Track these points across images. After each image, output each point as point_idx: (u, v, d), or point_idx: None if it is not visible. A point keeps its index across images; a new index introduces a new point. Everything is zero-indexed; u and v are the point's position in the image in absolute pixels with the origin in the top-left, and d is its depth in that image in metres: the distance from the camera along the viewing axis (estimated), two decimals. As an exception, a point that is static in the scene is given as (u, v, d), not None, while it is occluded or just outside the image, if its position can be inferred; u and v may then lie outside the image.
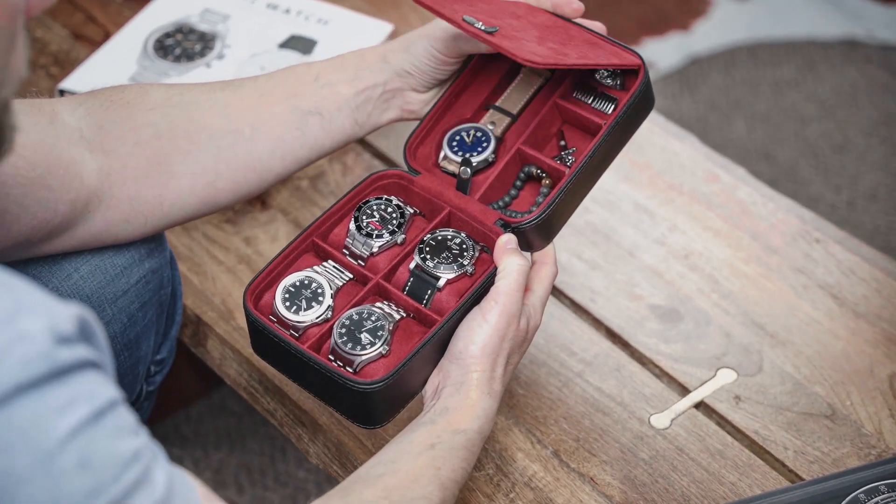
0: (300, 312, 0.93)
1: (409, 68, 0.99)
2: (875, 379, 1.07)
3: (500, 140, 1.01)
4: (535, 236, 0.95)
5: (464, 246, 0.95)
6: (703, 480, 1.00)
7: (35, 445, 0.62)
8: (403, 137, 1.01)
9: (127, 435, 0.66)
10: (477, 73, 1.01)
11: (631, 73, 0.99)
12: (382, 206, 0.97)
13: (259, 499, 1.46)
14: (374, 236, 0.96)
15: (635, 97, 0.95)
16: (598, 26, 0.98)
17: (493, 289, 0.91)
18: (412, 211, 0.98)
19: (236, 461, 1.50)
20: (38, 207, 0.91)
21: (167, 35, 1.30)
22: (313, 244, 0.97)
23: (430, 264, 0.94)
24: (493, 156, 1.00)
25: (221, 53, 1.29)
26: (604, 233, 1.19)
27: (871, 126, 1.96)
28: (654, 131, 1.28)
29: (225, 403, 1.55)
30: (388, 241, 0.96)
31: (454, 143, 1.00)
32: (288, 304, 0.93)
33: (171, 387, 1.26)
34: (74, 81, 1.25)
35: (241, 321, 1.11)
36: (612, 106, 0.99)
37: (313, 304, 0.93)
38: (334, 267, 0.96)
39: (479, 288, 0.92)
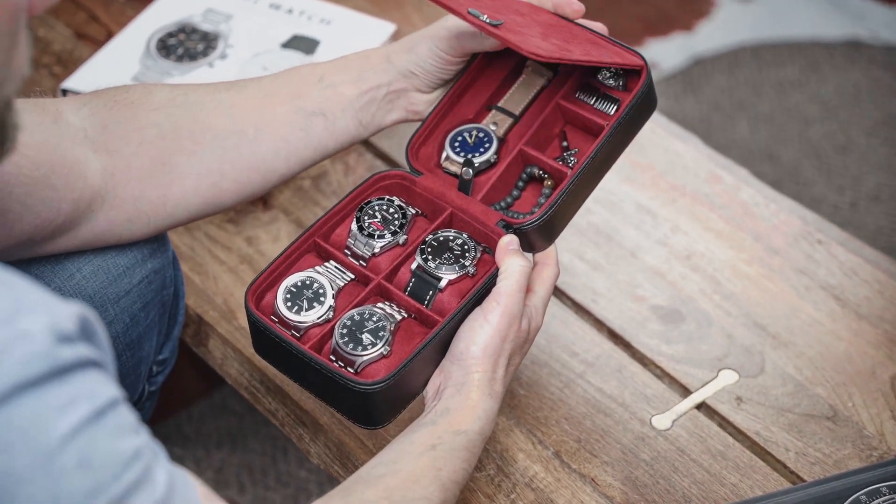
0: (301, 313, 0.93)
1: (414, 69, 0.99)
2: (877, 380, 1.07)
3: (502, 141, 1.00)
4: (536, 237, 0.95)
5: (465, 247, 0.95)
6: (705, 481, 1.00)
7: (35, 445, 0.62)
8: (406, 138, 1.01)
9: (127, 434, 0.66)
10: (480, 74, 1.01)
11: (633, 74, 0.99)
12: (384, 207, 0.97)
13: (261, 498, 1.46)
14: (375, 237, 0.96)
15: (638, 98, 0.95)
16: (599, 27, 0.98)
17: (494, 290, 0.91)
18: (414, 211, 0.98)
19: (238, 461, 1.50)
20: (42, 207, 0.91)
21: (170, 35, 1.30)
22: (315, 244, 0.97)
23: (432, 265, 0.94)
24: (495, 156, 0.99)
25: (224, 53, 1.29)
26: (606, 233, 1.19)
27: (875, 127, 1.96)
28: (656, 132, 1.28)
29: (227, 403, 1.55)
30: (389, 242, 0.96)
31: (456, 144, 1.00)
32: (289, 304, 0.93)
33: (173, 386, 1.27)
34: (77, 81, 1.25)
35: (243, 321, 1.11)
36: (615, 107, 0.99)
37: (315, 304, 0.93)
38: (336, 267, 0.96)
39: (480, 289, 0.92)
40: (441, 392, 0.90)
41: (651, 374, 1.08)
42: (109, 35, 1.36)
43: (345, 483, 0.85)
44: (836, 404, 1.05)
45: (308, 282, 0.94)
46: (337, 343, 0.91)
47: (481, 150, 0.99)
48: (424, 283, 0.94)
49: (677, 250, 1.17)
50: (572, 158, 0.99)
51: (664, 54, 2.06)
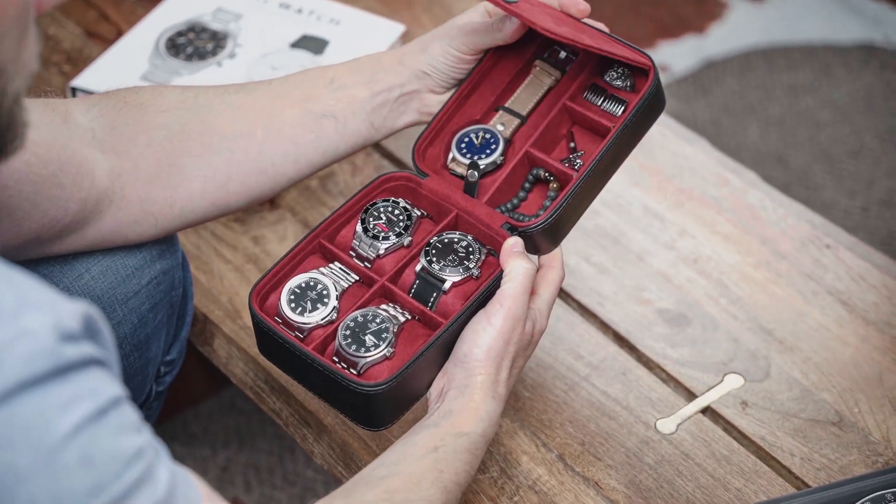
0: (305, 314, 0.93)
1: (427, 69, 0.99)
2: (884, 386, 1.07)
3: (508, 142, 1.00)
4: (542, 240, 0.95)
5: (470, 249, 0.95)
6: (709, 486, 1.00)
7: (37, 442, 0.62)
8: (413, 138, 1.01)
9: (130, 433, 0.66)
10: (487, 74, 1.01)
11: (641, 75, 0.99)
12: (389, 209, 0.97)
13: (267, 498, 1.47)
14: (380, 238, 0.96)
15: (645, 99, 0.95)
16: (601, 27, 0.98)
17: (498, 292, 0.91)
18: (419, 213, 0.98)
19: (244, 459, 1.50)
20: (50, 205, 0.91)
21: (179, 34, 1.31)
22: (320, 246, 0.97)
23: (436, 267, 0.94)
24: (501, 158, 0.99)
25: (233, 52, 1.29)
26: (613, 236, 1.19)
27: (887, 131, 1.95)
28: (664, 135, 1.27)
29: (234, 402, 1.56)
30: (394, 244, 0.96)
31: (463, 145, 1.00)
32: (293, 305, 0.93)
33: (181, 385, 1.27)
34: (87, 79, 1.25)
35: (248, 320, 1.11)
36: (622, 108, 0.99)
37: (318, 305, 0.93)
38: (340, 269, 0.96)
39: (484, 291, 0.91)
40: (444, 394, 0.90)
41: (656, 377, 1.07)
42: (119, 33, 1.36)
43: (347, 484, 0.85)
44: (842, 410, 1.05)
45: (312, 283, 0.94)
46: (340, 344, 0.91)
47: (488, 151, 0.99)
48: (428, 285, 0.94)
49: (684, 254, 1.17)
50: (578, 161, 0.99)
51: (676, 57, 2.06)
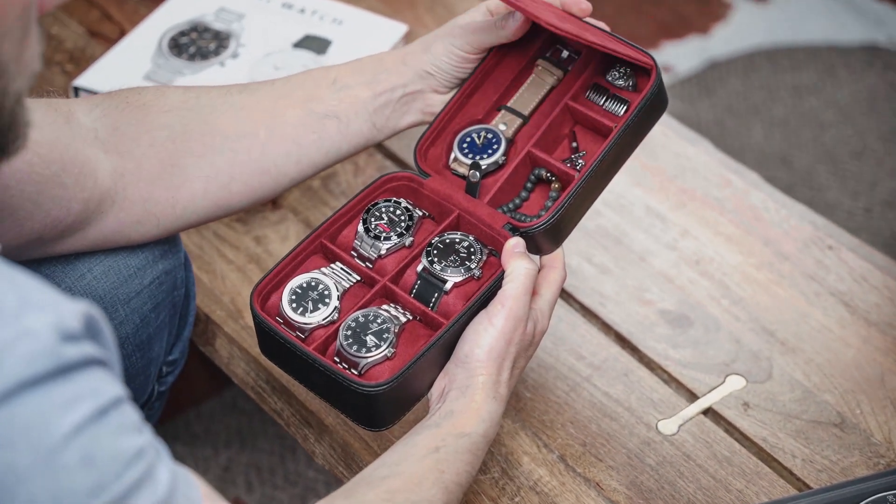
0: (306, 314, 0.93)
1: (430, 69, 0.99)
2: (886, 388, 1.07)
3: (510, 142, 1.00)
4: (543, 240, 0.95)
5: (472, 249, 0.95)
6: (710, 487, 1.00)
7: (38, 442, 0.62)
8: (415, 138, 1.01)
9: (131, 433, 0.66)
10: (489, 74, 1.01)
11: (643, 75, 0.99)
12: (391, 209, 0.97)
13: (268, 498, 1.47)
14: (382, 238, 0.96)
15: (648, 99, 0.95)
16: (602, 27, 0.98)
17: (499, 292, 0.91)
18: (420, 213, 0.98)
19: (246, 459, 1.50)
20: (52, 205, 0.91)
21: (182, 33, 1.31)
22: (321, 246, 0.97)
23: (438, 267, 0.94)
24: (503, 158, 0.99)
25: (236, 52, 1.29)
26: (615, 237, 1.19)
27: (891, 132, 1.95)
28: (667, 135, 1.27)
29: (236, 402, 1.56)
30: (396, 244, 0.96)
31: (465, 145, 1.00)
32: (294, 305, 0.93)
33: (183, 385, 1.27)
34: (89, 79, 1.25)
35: (250, 320, 1.11)
36: (625, 108, 0.99)
37: (320, 305, 0.93)
38: (342, 269, 0.96)
39: (485, 291, 0.91)
40: (445, 395, 0.90)
41: (658, 378, 1.07)
42: (122, 33, 1.37)
43: (348, 484, 0.85)
44: (844, 411, 1.05)
45: (313, 283, 0.94)
46: (341, 345, 0.91)
47: (489, 151, 0.99)
48: (430, 285, 0.94)
49: (686, 254, 1.17)
50: (580, 161, 0.99)
51: (679, 57, 2.06)
